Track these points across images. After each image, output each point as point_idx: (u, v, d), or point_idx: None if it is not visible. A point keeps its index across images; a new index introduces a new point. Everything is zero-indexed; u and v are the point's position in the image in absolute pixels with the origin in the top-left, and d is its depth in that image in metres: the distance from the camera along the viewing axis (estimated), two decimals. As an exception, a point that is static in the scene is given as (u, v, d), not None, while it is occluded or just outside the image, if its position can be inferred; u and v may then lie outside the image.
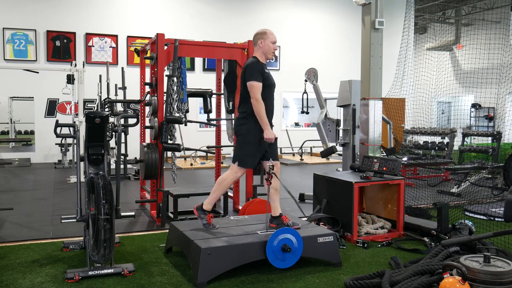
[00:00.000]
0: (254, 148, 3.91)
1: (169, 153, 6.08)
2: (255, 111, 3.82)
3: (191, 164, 10.89)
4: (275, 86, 4.06)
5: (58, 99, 11.53)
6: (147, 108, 6.09)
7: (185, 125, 5.55)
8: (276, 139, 3.97)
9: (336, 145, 6.51)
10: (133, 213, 4.22)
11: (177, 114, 5.40)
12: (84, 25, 11.83)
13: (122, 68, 8.39)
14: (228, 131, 6.37)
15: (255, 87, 3.82)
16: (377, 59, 5.63)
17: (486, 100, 11.66)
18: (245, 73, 3.89)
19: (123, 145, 7.49)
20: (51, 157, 11.60)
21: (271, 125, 4.14)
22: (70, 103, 11.18)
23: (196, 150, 6.56)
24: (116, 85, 8.90)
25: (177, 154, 6.98)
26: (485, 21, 15.72)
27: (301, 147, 12.78)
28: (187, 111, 5.69)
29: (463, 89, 11.50)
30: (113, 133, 4.21)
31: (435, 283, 3.06)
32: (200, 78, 12.18)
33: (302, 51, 14.33)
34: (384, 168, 4.74)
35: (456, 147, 9.17)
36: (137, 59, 10.27)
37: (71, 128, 4.21)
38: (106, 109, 7.23)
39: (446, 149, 8.92)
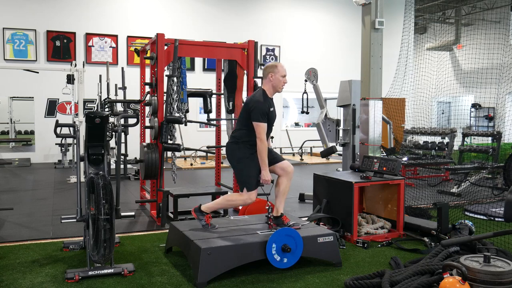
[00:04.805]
0: (253, 169, 3.92)
1: (169, 153, 6.08)
2: (258, 150, 3.85)
3: (191, 164, 10.89)
4: (275, 118, 4.10)
5: (58, 99, 11.53)
6: (147, 108, 6.09)
7: (185, 125, 5.55)
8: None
9: (336, 145, 6.51)
10: (133, 213, 4.22)
11: (177, 114, 5.40)
12: (84, 25, 11.83)
13: (122, 68, 8.39)
14: (228, 131, 6.37)
15: (261, 127, 3.84)
16: (377, 59, 5.63)
17: (486, 100, 11.65)
18: (252, 111, 3.86)
19: (123, 145, 7.49)
20: (51, 157, 11.60)
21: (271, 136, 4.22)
22: (70, 103, 11.18)
23: (196, 150, 6.56)
24: (116, 85, 8.91)
25: (177, 154, 6.98)
26: (485, 21, 15.73)
27: (301, 147, 12.78)
28: (187, 111, 5.68)
29: (463, 89, 11.49)
30: (113, 133, 4.21)
31: (435, 283, 3.06)
32: (200, 78, 12.18)
33: (302, 51, 14.33)
34: (384, 168, 4.74)
35: (456, 147, 9.17)
36: (137, 59, 10.28)
37: (71, 128, 4.21)
38: (106, 109, 7.24)
39: (446, 149, 8.92)
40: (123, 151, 7.18)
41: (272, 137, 4.47)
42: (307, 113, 6.85)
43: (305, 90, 6.60)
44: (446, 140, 9.06)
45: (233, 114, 6.10)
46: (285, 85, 4.04)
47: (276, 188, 4.07)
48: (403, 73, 7.54)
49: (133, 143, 8.28)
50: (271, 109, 3.95)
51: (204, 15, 13.12)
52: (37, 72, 10.19)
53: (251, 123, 3.86)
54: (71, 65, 8.56)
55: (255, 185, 3.95)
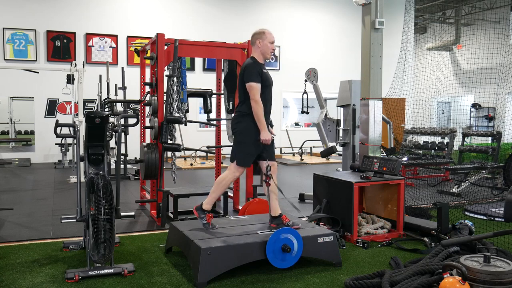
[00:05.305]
0: (252, 147, 3.92)
1: (169, 153, 6.08)
2: (253, 112, 3.83)
3: (191, 164, 10.89)
4: (272, 85, 4.07)
5: (58, 99, 11.53)
6: (147, 108, 6.09)
7: (185, 125, 5.55)
8: (272, 141, 3.99)
9: (336, 145, 6.51)
10: (133, 213, 4.22)
11: (177, 114, 5.40)
12: (84, 25, 11.83)
13: (122, 68, 8.39)
14: (228, 131, 6.36)
15: (254, 88, 3.83)
16: (377, 59, 5.63)
17: (486, 100, 11.66)
18: (244, 74, 3.89)
19: (123, 145, 7.49)
20: (51, 157, 11.60)
21: (271, 125, 4.16)
22: (70, 103, 11.19)
23: (196, 150, 6.56)
24: (116, 85, 8.91)
25: (177, 154, 6.98)
26: (485, 21, 15.73)
27: (301, 147, 12.78)
28: (187, 111, 5.69)
29: (463, 89, 11.49)
30: (113, 133, 4.21)
31: (435, 283, 3.06)
32: (200, 78, 12.18)
33: (302, 51, 14.33)
34: (384, 168, 4.74)
35: (456, 147, 9.17)
36: (137, 59, 10.28)
37: (71, 128, 4.21)
38: (106, 109, 7.24)
39: (446, 149, 8.92)
40: (123, 151, 7.18)
41: (272, 126, 4.42)
42: (307, 113, 6.85)
43: (305, 90, 6.60)
44: (446, 140, 9.06)
45: (233, 114, 6.10)
46: (273, 52, 4.01)
47: (265, 190, 4.04)
48: (403, 73, 7.54)
49: (133, 143, 8.28)
50: (264, 71, 3.94)
51: (204, 15, 13.12)
52: (37, 72, 10.18)
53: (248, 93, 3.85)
54: (71, 65, 8.56)
55: (247, 163, 3.96)
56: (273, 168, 4.00)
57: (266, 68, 4.08)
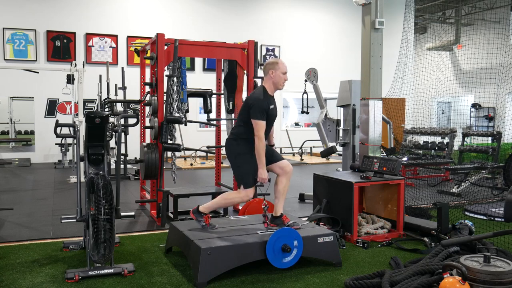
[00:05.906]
0: (251, 165, 3.89)
1: (169, 153, 6.08)
2: (255, 148, 3.81)
3: (191, 164, 10.89)
4: (276, 116, 4.04)
5: (58, 99, 11.53)
6: (147, 108, 6.09)
7: (185, 125, 5.55)
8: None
9: (336, 145, 6.51)
10: (133, 213, 4.22)
11: (177, 114, 5.40)
12: (84, 25, 11.83)
13: (122, 68, 8.39)
14: (228, 131, 6.36)
15: (259, 125, 3.80)
16: (377, 59, 5.63)
17: (486, 100, 11.66)
18: (251, 108, 3.82)
19: (123, 145, 7.49)
20: (51, 157, 11.60)
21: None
22: (70, 103, 11.19)
23: (196, 150, 6.56)
24: (116, 85, 8.91)
25: (177, 154, 6.98)
26: (485, 21, 15.73)
27: (301, 147, 12.78)
28: (187, 111, 5.68)
29: (463, 89, 11.50)
30: (113, 133, 4.22)
31: (435, 283, 3.07)
32: (200, 78, 12.18)
33: (302, 51, 14.33)
34: (384, 168, 4.74)
35: (456, 147, 9.17)
36: (137, 59, 10.28)
37: (71, 128, 4.21)
38: (106, 109, 7.24)
39: (446, 149, 8.92)
40: (123, 151, 7.17)
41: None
42: (307, 113, 6.85)
43: (305, 90, 6.60)
44: (446, 140, 9.06)
45: (233, 114, 6.10)
46: (286, 82, 3.97)
47: (275, 188, 4.06)
48: (403, 73, 7.54)
49: (133, 143, 8.28)
50: (271, 106, 3.90)
51: (204, 15, 13.12)
52: (37, 72, 10.18)
53: (250, 121, 3.83)
54: (71, 65, 8.56)
55: (253, 182, 3.93)
56: (288, 168, 4.03)
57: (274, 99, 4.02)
